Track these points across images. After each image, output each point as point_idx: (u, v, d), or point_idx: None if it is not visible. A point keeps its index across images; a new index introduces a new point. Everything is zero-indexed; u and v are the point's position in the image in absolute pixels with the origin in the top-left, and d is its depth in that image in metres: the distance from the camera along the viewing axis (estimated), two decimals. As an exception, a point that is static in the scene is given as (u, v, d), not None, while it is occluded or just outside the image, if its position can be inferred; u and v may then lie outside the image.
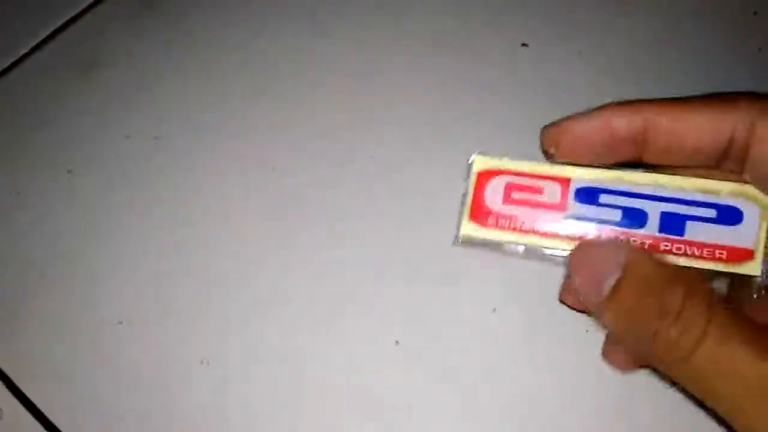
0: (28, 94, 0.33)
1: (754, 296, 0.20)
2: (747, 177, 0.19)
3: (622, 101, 0.20)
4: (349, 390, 0.26)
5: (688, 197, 0.20)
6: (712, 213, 0.20)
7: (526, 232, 0.21)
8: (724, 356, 0.16)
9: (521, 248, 0.21)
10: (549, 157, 0.21)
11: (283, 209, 0.30)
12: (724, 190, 0.20)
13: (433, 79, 0.33)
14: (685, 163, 0.20)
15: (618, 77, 0.29)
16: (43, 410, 0.26)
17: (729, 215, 0.19)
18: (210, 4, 0.36)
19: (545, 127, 0.21)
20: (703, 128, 0.18)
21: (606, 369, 0.24)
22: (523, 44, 0.34)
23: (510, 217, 0.21)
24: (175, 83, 0.33)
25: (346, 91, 0.33)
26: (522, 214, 0.21)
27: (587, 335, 0.26)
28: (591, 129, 0.20)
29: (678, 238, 0.20)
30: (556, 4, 0.35)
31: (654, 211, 0.20)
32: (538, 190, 0.21)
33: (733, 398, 0.16)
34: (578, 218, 0.21)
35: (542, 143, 0.21)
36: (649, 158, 0.20)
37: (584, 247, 0.20)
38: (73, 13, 0.34)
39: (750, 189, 0.19)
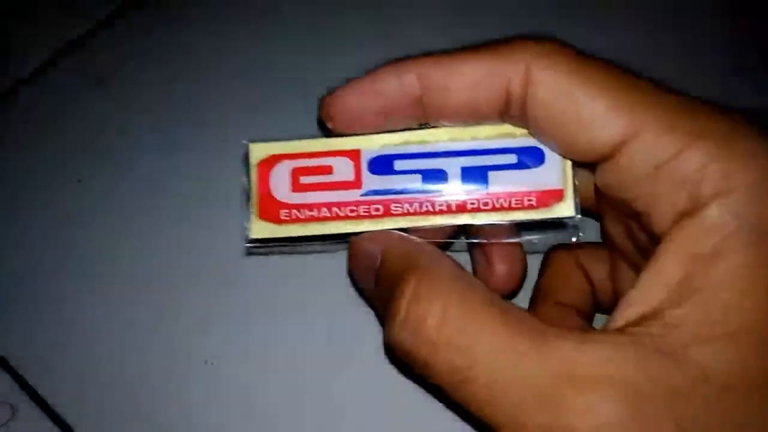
0: (39, 107, 0.33)
1: (573, 240, 0.18)
2: (531, 130, 0.17)
3: (395, 59, 0.17)
4: (353, 389, 0.26)
5: (485, 146, 0.18)
6: (512, 159, 0.18)
7: (325, 219, 0.18)
8: (467, 360, 0.14)
9: (321, 241, 0.18)
10: (325, 129, 0.19)
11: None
12: (518, 132, 0.18)
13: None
14: (467, 120, 0.18)
15: None
16: (53, 407, 0.27)
17: (530, 156, 0.17)
18: (213, 23, 0.36)
19: (321, 97, 0.18)
20: (477, 80, 0.16)
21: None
22: None
23: (304, 207, 0.18)
24: (184, 99, 0.33)
25: None
26: (316, 200, 0.18)
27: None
28: (365, 98, 0.17)
29: (484, 193, 0.18)
30: (541, 18, 0.33)
31: (454, 168, 0.18)
32: (328, 170, 0.19)
33: (488, 407, 0.14)
34: (377, 192, 0.18)
35: (318, 114, 0.18)
36: (430, 119, 0.18)
37: (353, 242, 0.19)
38: (83, 30, 0.35)
39: None
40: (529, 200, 0.17)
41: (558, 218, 0.17)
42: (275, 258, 0.29)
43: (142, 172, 0.32)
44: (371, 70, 0.18)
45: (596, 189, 0.17)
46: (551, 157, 0.17)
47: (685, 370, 0.13)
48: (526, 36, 0.16)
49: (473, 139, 0.18)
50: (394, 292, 0.16)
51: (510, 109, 0.16)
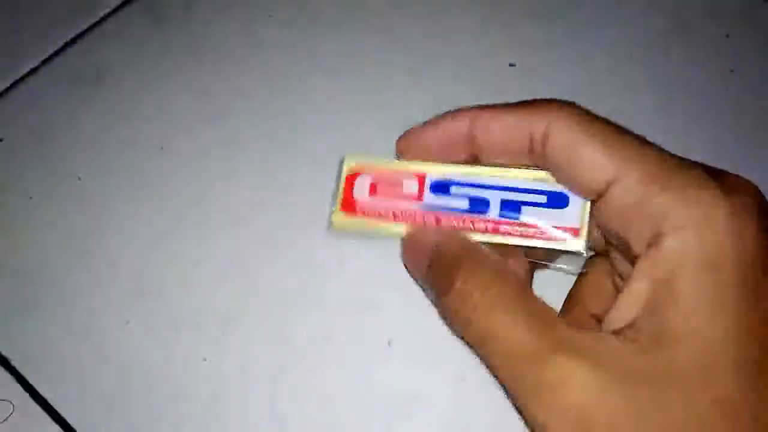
0: (40, 104, 0.34)
1: (580, 271, 0.22)
2: (549, 168, 0.21)
3: (456, 109, 0.22)
4: (348, 387, 0.28)
5: (522, 186, 0.22)
6: (543, 199, 0.22)
7: (389, 220, 0.23)
8: (494, 325, 0.19)
9: (384, 234, 0.23)
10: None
11: (283, 213, 0.32)
12: (551, 179, 0.22)
13: (424, 98, 0.34)
14: (504, 159, 0.22)
15: (598, 93, 0.31)
16: (52, 403, 0.27)
17: (558, 200, 0.22)
18: (211, 19, 0.38)
19: (398, 138, 0.24)
20: (510, 128, 0.21)
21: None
22: (511, 64, 0.36)
23: (375, 209, 0.24)
24: (179, 95, 0.35)
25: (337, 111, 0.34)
26: (385, 205, 0.24)
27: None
28: (430, 135, 0.23)
29: (515, 221, 0.22)
30: (540, 26, 0.37)
31: (495, 199, 0.22)
32: (399, 184, 0.24)
33: (501, 367, 0.19)
34: (432, 207, 0.23)
35: (396, 149, 0.24)
36: (480, 156, 0.22)
37: (408, 235, 0.23)
38: (81, 29, 0.36)
39: None
40: (550, 233, 0.21)
41: (571, 251, 0.21)
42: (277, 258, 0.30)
43: (140, 171, 0.32)
44: (433, 117, 0.23)
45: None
46: (574, 202, 0.21)
47: (641, 368, 0.17)
48: (552, 100, 0.21)
49: (514, 178, 0.22)
50: (452, 272, 0.20)
51: (534, 150, 0.21)
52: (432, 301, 0.22)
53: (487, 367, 0.19)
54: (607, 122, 0.20)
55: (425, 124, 0.23)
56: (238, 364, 0.28)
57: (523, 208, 0.22)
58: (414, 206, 0.23)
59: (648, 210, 0.18)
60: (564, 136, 0.20)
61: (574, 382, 0.17)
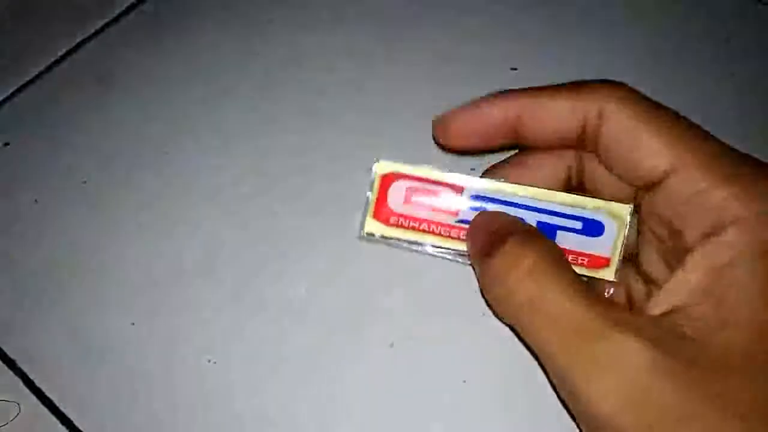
0: (45, 109, 0.34)
1: (606, 294, 0.23)
2: (600, 156, 0.21)
3: (498, 92, 0.22)
4: (352, 389, 0.28)
5: (560, 210, 0.23)
6: (578, 225, 0.22)
7: (423, 231, 0.23)
8: (541, 296, 0.18)
9: (416, 246, 0.24)
10: (438, 144, 0.23)
11: (284, 213, 0.32)
12: (589, 206, 0.22)
13: (423, 103, 0.33)
14: (552, 144, 0.22)
15: None
16: (58, 405, 0.27)
17: (593, 228, 0.22)
18: (217, 24, 0.37)
19: (434, 118, 0.23)
20: (561, 113, 0.20)
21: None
22: (512, 68, 0.35)
23: (409, 218, 0.23)
24: (184, 100, 0.34)
25: (334, 116, 0.34)
26: (420, 215, 0.24)
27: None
28: (470, 120, 0.22)
29: None
30: (542, 30, 0.36)
31: (531, 220, 0.22)
32: (436, 194, 0.24)
33: (550, 340, 0.18)
34: (468, 222, 0.23)
35: (433, 132, 0.23)
36: (523, 141, 0.22)
37: (479, 215, 0.22)
38: (87, 34, 0.36)
39: (613, 206, 0.22)
40: (582, 259, 0.22)
41: (600, 279, 0.22)
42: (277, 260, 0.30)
43: (146, 175, 0.32)
44: (476, 99, 0.22)
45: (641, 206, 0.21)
46: (608, 233, 0.22)
47: (696, 351, 0.17)
48: (603, 81, 0.21)
49: (551, 201, 0.23)
50: (503, 238, 0.20)
51: (586, 136, 0.20)
52: (476, 270, 0.21)
53: (530, 339, 0.19)
54: (662, 108, 0.19)
55: (465, 107, 0.22)
56: (242, 366, 0.28)
57: (558, 233, 0.22)
58: (450, 219, 0.23)
59: (709, 202, 0.18)
60: (620, 122, 0.19)
61: (634, 361, 0.17)
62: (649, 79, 0.34)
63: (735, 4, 0.37)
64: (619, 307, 0.19)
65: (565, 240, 0.22)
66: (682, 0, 0.37)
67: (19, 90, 0.35)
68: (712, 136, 0.19)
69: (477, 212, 0.23)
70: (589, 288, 0.19)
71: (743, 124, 0.33)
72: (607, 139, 0.20)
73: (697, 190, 0.18)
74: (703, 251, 0.18)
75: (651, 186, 0.20)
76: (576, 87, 0.21)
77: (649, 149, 0.19)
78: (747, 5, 0.37)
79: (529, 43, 0.36)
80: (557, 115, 0.21)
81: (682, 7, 0.37)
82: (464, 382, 0.28)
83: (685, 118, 0.19)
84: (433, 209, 0.23)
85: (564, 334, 0.18)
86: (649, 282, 0.22)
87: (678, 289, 0.18)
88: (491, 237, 0.20)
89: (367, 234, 0.23)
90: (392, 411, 0.27)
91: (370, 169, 0.23)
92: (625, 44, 0.36)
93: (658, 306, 0.18)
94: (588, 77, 0.34)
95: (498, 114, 0.21)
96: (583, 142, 0.21)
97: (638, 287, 0.22)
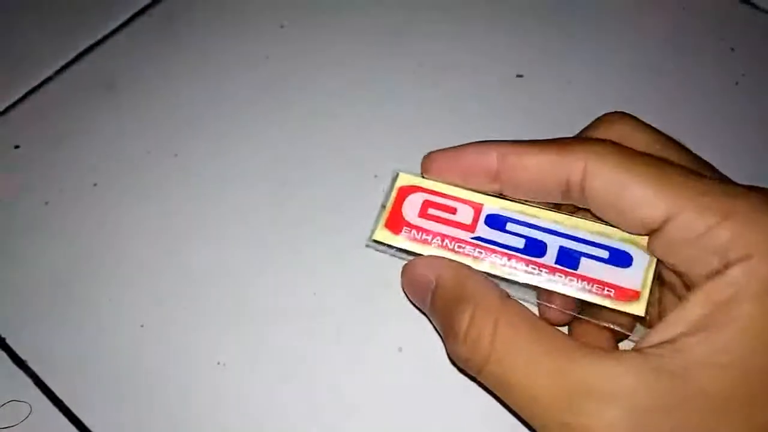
0: (55, 113, 0.35)
1: (630, 334, 0.21)
2: (590, 209, 0.20)
3: (482, 141, 0.22)
4: (361, 393, 0.28)
5: (584, 237, 0.21)
6: (605, 254, 0.21)
7: (434, 245, 0.22)
8: (511, 374, 0.18)
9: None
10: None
11: (294, 217, 0.31)
12: (615, 236, 0.21)
13: (430, 111, 0.34)
14: (536, 198, 0.21)
15: (605, 106, 0.30)
16: (68, 405, 0.28)
17: (620, 258, 0.21)
18: (224, 28, 0.37)
19: (424, 157, 0.23)
20: (544, 169, 0.20)
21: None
22: (518, 75, 0.35)
23: (422, 231, 0.22)
24: (192, 103, 0.35)
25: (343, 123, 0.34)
26: (434, 229, 0.22)
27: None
28: (453, 163, 0.22)
29: (572, 271, 0.21)
30: (548, 38, 0.36)
31: (553, 244, 0.21)
32: (453, 210, 0.22)
33: (523, 412, 0.18)
34: (484, 240, 0.22)
35: (421, 168, 0.23)
36: (506, 192, 0.22)
37: (409, 265, 0.22)
38: (95, 38, 0.37)
39: (641, 239, 0.21)
40: (608, 291, 0.20)
41: (630, 314, 0.20)
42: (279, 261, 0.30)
43: (155, 178, 0.32)
44: (461, 145, 0.22)
45: None
46: (638, 263, 0.20)
47: (681, 386, 0.17)
48: (587, 138, 0.21)
49: (575, 227, 0.21)
50: (454, 315, 0.20)
51: (571, 192, 0.20)
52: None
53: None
54: (646, 157, 0.19)
55: (451, 149, 0.22)
56: (252, 369, 0.28)
57: (582, 260, 0.21)
58: (465, 235, 0.22)
59: (711, 242, 0.18)
60: (606, 178, 0.19)
61: (600, 426, 0.17)
62: (654, 88, 0.34)
63: (739, 13, 0.37)
64: (585, 361, 0.18)
65: (588, 269, 0.21)
66: (687, 9, 0.37)
67: (29, 94, 0.35)
68: (697, 172, 0.19)
69: (493, 231, 0.22)
70: (555, 337, 0.19)
71: (747, 133, 0.32)
72: (595, 195, 0.20)
73: (697, 234, 0.18)
74: (704, 288, 0.18)
75: (651, 233, 0.20)
76: (558, 143, 0.20)
77: (641, 201, 0.19)
78: (752, 14, 0.36)
79: (536, 50, 0.36)
80: (538, 170, 0.21)
81: (687, 16, 0.37)
82: (474, 387, 0.27)
83: (666, 161, 0.19)
84: (449, 224, 0.22)
85: (532, 407, 0.18)
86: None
87: (671, 324, 0.18)
88: (442, 305, 0.21)
89: (375, 242, 0.22)
90: (402, 416, 0.27)
91: (387, 176, 0.23)
92: (631, 52, 0.36)
93: (646, 341, 0.18)
94: (593, 85, 0.35)
95: (480, 161, 0.21)
96: (568, 195, 0.21)
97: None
